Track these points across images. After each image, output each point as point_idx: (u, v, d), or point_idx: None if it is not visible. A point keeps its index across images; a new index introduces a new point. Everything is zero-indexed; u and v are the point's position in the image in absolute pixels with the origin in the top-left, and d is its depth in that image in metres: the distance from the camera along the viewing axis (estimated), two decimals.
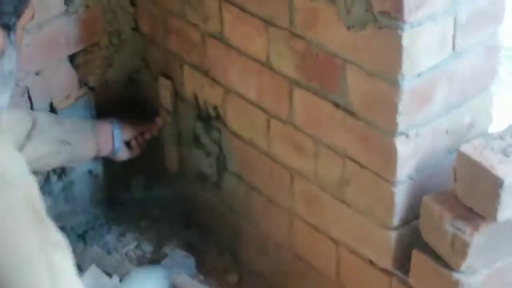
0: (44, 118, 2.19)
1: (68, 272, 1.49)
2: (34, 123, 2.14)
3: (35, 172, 2.29)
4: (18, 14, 1.48)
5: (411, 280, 1.83)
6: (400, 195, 1.81)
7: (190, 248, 2.38)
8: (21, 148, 2.11)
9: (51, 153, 2.19)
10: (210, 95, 2.22)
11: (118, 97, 2.46)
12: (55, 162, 2.25)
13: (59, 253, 1.50)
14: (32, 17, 1.60)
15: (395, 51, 1.66)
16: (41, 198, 1.52)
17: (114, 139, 2.32)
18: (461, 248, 1.70)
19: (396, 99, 1.70)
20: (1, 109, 1.58)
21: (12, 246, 1.41)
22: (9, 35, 1.47)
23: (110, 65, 2.42)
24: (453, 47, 1.74)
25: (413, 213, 1.82)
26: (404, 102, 1.70)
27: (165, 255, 2.34)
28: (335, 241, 2.01)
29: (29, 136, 2.13)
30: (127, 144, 2.38)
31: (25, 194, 1.48)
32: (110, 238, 2.45)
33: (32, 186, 1.50)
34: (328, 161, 1.93)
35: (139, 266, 2.31)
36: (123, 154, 2.38)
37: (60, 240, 1.51)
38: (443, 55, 1.73)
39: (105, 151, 2.33)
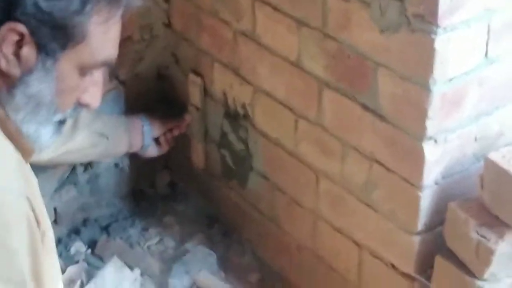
0: (86, 111, 2.20)
1: None
2: (77, 118, 2.16)
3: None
4: (60, 43, 1.37)
5: (433, 286, 1.83)
6: (426, 200, 1.80)
7: (212, 245, 2.39)
8: (68, 138, 2.13)
9: (91, 145, 2.21)
10: (239, 94, 2.22)
11: (148, 91, 2.47)
12: (92, 155, 2.27)
13: None
14: (105, 65, 1.47)
15: (427, 55, 1.65)
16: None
17: (144, 136, 2.34)
18: (486, 256, 1.69)
19: (426, 104, 1.69)
20: (44, 146, 1.49)
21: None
22: (44, 59, 1.38)
23: (141, 59, 2.43)
24: (486, 54, 1.73)
25: (438, 219, 1.82)
26: (434, 107, 1.70)
27: (187, 251, 2.34)
28: (358, 244, 2.00)
29: (75, 126, 2.16)
30: (156, 140, 2.39)
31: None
32: (133, 231, 2.46)
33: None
34: (355, 164, 1.93)
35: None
36: (152, 151, 2.39)
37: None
38: (476, 61, 1.72)
39: (136, 147, 2.35)
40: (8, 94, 1.40)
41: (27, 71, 1.39)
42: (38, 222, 1.40)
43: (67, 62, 1.40)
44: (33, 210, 1.39)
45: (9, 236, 1.34)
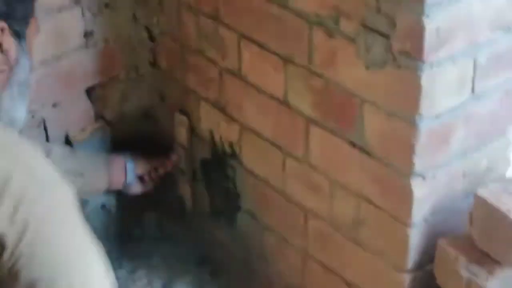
0: (58, 149, 2.20)
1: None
2: (48, 154, 2.14)
3: None
4: (26, 21, 1.50)
5: None
6: (415, 237, 1.78)
7: (201, 286, 2.36)
8: None
9: None
10: (226, 132, 2.21)
11: (134, 131, 2.46)
12: None
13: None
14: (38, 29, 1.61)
15: (413, 91, 1.64)
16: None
17: (126, 173, 2.32)
18: None
19: (413, 140, 1.68)
20: (20, 121, 1.60)
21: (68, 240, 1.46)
22: (20, 43, 1.49)
23: (127, 99, 2.42)
24: (472, 90, 1.72)
25: (428, 256, 1.80)
26: (421, 143, 1.69)
27: None
28: (348, 284, 1.98)
29: None
30: (141, 178, 2.37)
31: (70, 198, 1.51)
32: (121, 273, 2.43)
33: (73, 193, 1.53)
34: (343, 201, 1.91)
35: None
36: (135, 188, 2.37)
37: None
38: (462, 97, 1.71)
39: (117, 184, 2.33)
40: (4, 88, 1.50)
41: (15, 62, 1.50)
42: None
43: (29, 37, 1.51)
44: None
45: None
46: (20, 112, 1.60)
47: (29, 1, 1.53)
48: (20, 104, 1.58)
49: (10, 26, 1.45)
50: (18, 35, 1.48)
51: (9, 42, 1.44)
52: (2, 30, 1.43)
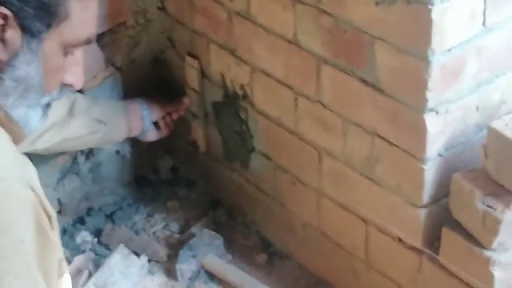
0: (82, 98, 2.20)
1: None
2: (73, 104, 2.16)
3: (67, 152, 2.33)
4: (45, 22, 1.38)
5: (441, 258, 1.82)
6: (430, 172, 1.79)
7: (217, 228, 2.38)
8: (64, 127, 2.13)
9: (89, 133, 2.20)
10: (237, 74, 2.20)
11: (145, 77, 2.46)
12: (90, 142, 2.26)
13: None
14: (86, 42, 1.46)
15: (424, 26, 1.63)
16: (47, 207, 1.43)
17: (143, 120, 2.32)
18: (493, 226, 1.68)
19: (426, 75, 1.68)
20: (33, 130, 1.47)
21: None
22: (29, 40, 1.40)
23: (136, 45, 2.41)
24: (484, 23, 1.71)
25: (443, 190, 1.81)
26: (434, 78, 1.68)
27: (193, 235, 2.33)
28: (364, 220, 1.99)
29: (70, 115, 2.15)
30: (155, 124, 2.37)
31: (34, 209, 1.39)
32: (138, 218, 2.46)
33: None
34: (356, 139, 1.91)
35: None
36: (152, 135, 2.38)
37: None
38: (473, 30, 1.70)
39: (135, 132, 2.34)
40: None
41: (13, 55, 1.39)
42: (44, 207, 1.39)
43: (51, 41, 1.41)
44: (37, 196, 1.38)
45: (14, 226, 1.33)
46: (23, 116, 1.44)
47: (51, 4, 1.39)
48: (18, 106, 1.43)
49: (18, 18, 1.40)
50: (27, 31, 1.40)
51: (12, 33, 1.40)
52: (6, 17, 1.38)
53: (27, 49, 1.38)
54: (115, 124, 2.26)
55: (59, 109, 2.12)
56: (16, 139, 1.45)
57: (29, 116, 1.45)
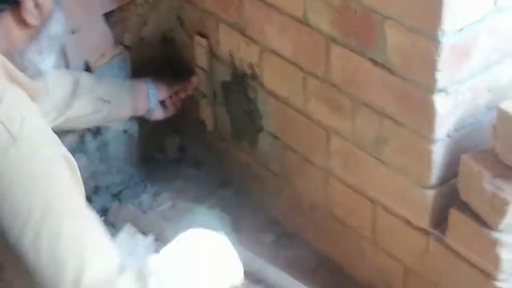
0: (87, 77, 2.21)
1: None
2: (77, 83, 2.16)
3: (73, 130, 2.34)
4: None
5: (448, 239, 1.82)
6: (438, 153, 1.78)
7: (225, 207, 2.38)
8: (67, 107, 2.13)
9: (93, 111, 2.20)
10: (246, 54, 2.20)
11: (153, 55, 2.45)
12: (95, 120, 2.26)
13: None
14: None
15: (435, 6, 1.62)
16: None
17: (149, 99, 2.32)
18: (501, 207, 1.68)
19: (436, 55, 1.67)
20: (46, 73, 1.66)
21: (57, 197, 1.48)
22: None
23: (145, 23, 2.41)
24: (495, 2, 1.70)
25: (451, 171, 1.80)
26: (444, 59, 1.67)
27: (200, 215, 2.33)
28: (372, 200, 1.99)
29: (74, 95, 2.16)
30: (162, 103, 2.37)
31: (65, 155, 1.54)
32: (145, 197, 2.46)
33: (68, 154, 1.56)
34: (365, 119, 1.91)
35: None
36: (158, 114, 2.38)
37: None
38: (485, 10, 1.69)
39: (141, 111, 2.34)
40: (33, 42, 1.58)
41: (48, 16, 1.57)
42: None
43: None
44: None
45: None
46: (46, 65, 1.65)
47: None
48: (48, 57, 1.63)
49: None
50: None
51: None
52: None
53: (56, 7, 1.52)
54: (119, 102, 2.26)
55: (63, 88, 2.13)
56: (34, 97, 1.57)
57: (48, 63, 1.65)
